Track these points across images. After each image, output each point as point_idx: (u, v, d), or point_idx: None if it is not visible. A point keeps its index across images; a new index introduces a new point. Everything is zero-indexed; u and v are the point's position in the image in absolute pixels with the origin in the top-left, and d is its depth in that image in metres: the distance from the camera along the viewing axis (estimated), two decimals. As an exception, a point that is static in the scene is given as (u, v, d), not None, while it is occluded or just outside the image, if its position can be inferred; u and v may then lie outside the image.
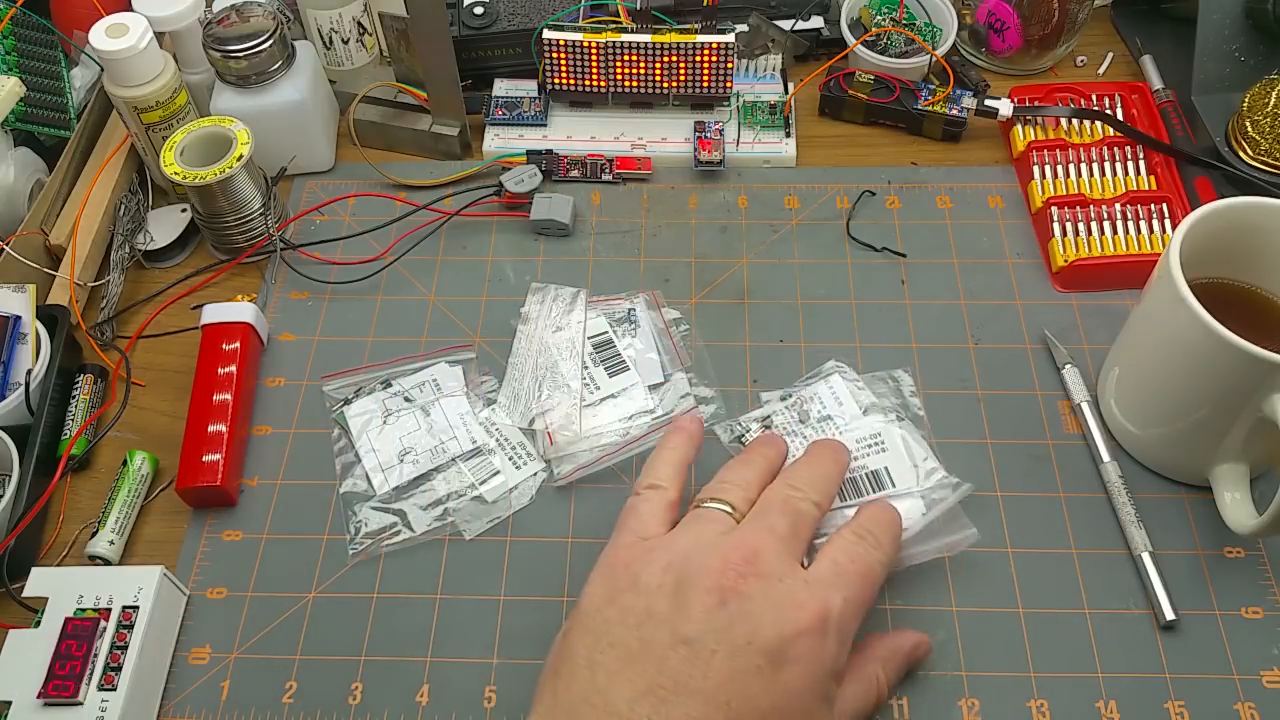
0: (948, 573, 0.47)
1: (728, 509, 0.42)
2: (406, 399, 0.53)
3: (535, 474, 0.50)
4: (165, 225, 0.61)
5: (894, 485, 0.48)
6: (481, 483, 0.50)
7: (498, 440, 0.51)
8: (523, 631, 0.46)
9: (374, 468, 0.51)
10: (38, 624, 0.43)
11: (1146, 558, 0.47)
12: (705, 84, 0.63)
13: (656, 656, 0.36)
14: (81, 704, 0.42)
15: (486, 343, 0.56)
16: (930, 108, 0.63)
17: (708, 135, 0.63)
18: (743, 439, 0.50)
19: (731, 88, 0.64)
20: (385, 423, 0.52)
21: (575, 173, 0.63)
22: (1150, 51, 0.68)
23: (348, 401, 0.53)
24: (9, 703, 0.42)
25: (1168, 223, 0.58)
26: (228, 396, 0.52)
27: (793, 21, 0.68)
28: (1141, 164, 0.60)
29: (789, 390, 0.52)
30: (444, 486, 0.50)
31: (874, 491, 0.48)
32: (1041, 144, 0.61)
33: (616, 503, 0.49)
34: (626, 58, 0.63)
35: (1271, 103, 0.58)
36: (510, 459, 0.51)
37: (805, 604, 0.38)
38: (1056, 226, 0.58)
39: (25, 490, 0.49)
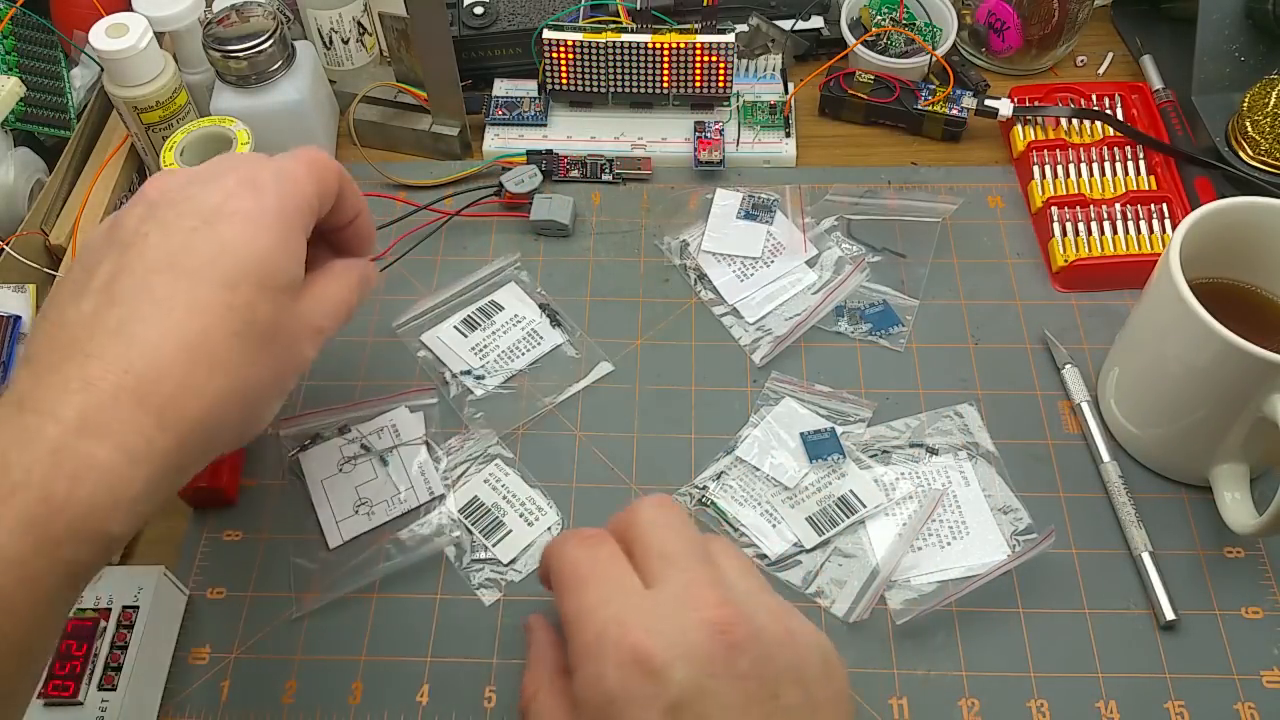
0: (948, 573, 0.47)
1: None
2: (364, 446, 0.51)
3: (549, 529, 0.49)
4: (165, 225, 0.61)
5: (865, 506, 0.48)
6: (495, 544, 0.48)
7: (505, 498, 0.50)
8: (522, 631, 0.46)
9: (327, 519, 0.49)
10: (37, 624, 0.43)
11: (1146, 558, 0.47)
12: (705, 84, 0.63)
13: (98, 268, 0.36)
14: (82, 704, 0.42)
15: (486, 343, 0.56)
16: (930, 108, 0.63)
17: (708, 135, 0.63)
18: (704, 500, 0.49)
19: (731, 88, 0.64)
20: (341, 471, 0.50)
21: (575, 173, 0.63)
22: (1150, 51, 0.68)
23: (304, 448, 0.51)
24: (9, 702, 0.42)
25: (1168, 223, 0.58)
26: (228, 396, 0.51)
27: (793, 21, 0.68)
28: (1141, 164, 0.60)
29: (730, 445, 0.51)
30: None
31: (847, 517, 0.48)
32: (1041, 144, 0.61)
33: (615, 503, 0.49)
34: (626, 58, 0.63)
35: (1271, 103, 0.58)
36: (521, 516, 0.49)
37: (229, 176, 0.37)
38: (1056, 226, 0.58)
39: (25, 490, 0.49)
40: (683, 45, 0.62)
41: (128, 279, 0.34)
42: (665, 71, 0.63)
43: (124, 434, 0.32)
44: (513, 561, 0.48)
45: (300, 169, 0.39)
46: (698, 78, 0.63)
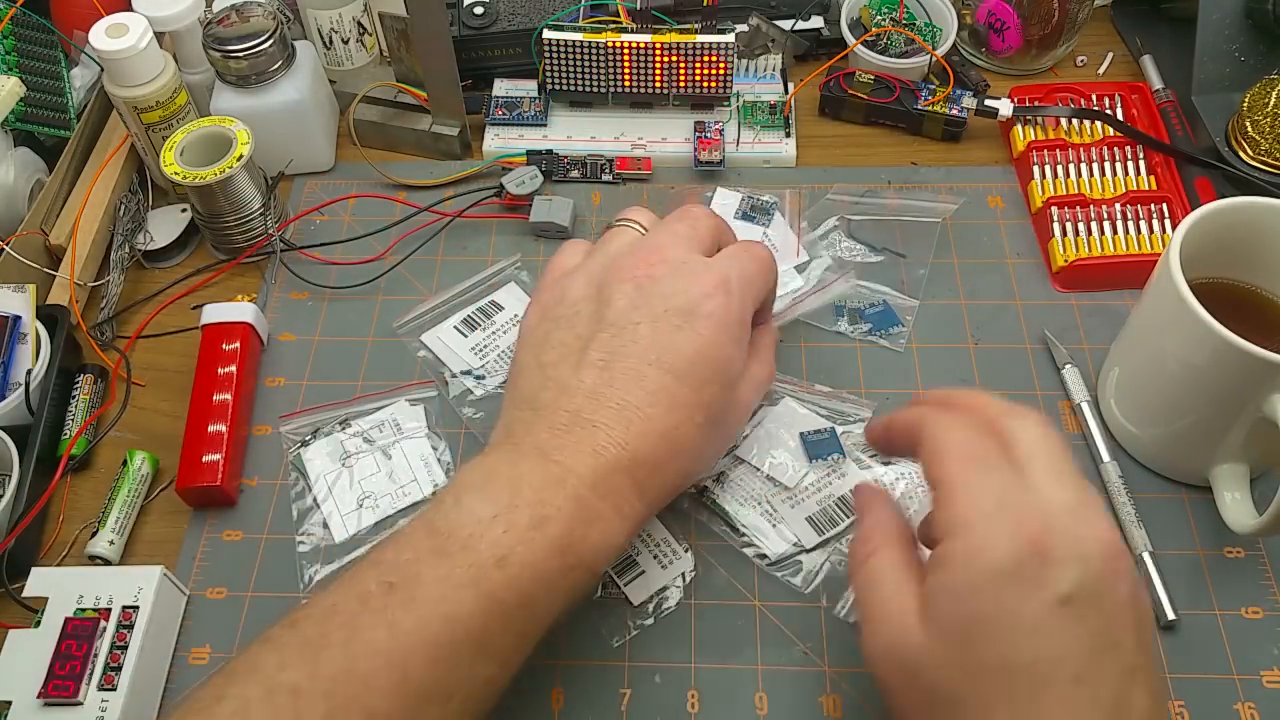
0: (948, 573, 0.47)
1: (636, 226, 0.48)
2: (366, 440, 0.51)
3: (683, 574, 0.47)
4: (165, 225, 0.61)
5: None
6: (627, 583, 0.46)
7: (640, 537, 0.48)
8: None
9: (332, 513, 0.49)
10: (38, 624, 0.43)
11: (1146, 558, 0.47)
12: (705, 84, 0.63)
13: (592, 341, 0.42)
14: (82, 704, 0.42)
15: (486, 343, 0.56)
16: (930, 108, 0.63)
17: (708, 135, 0.63)
18: (704, 500, 0.49)
19: (731, 88, 0.64)
20: (344, 466, 0.50)
21: (575, 173, 0.63)
22: (1150, 51, 0.68)
23: (305, 444, 0.51)
24: (9, 703, 0.42)
25: (1168, 223, 0.58)
26: (228, 396, 0.52)
27: (793, 21, 0.68)
28: (1141, 164, 0.60)
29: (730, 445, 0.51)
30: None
31: (847, 517, 0.48)
32: (1041, 144, 0.61)
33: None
34: (626, 58, 0.63)
35: (1271, 103, 0.58)
36: (655, 557, 0.47)
37: (706, 274, 0.43)
38: (1056, 226, 0.58)
39: (25, 490, 0.49)
40: (683, 45, 0.62)
41: (623, 364, 0.41)
42: (665, 71, 0.63)
43: (619, 498, 0.40)
44: (644, 604, 0.46)
45: (760, 274, 0.45)
46: (698, 78, 0.63)
